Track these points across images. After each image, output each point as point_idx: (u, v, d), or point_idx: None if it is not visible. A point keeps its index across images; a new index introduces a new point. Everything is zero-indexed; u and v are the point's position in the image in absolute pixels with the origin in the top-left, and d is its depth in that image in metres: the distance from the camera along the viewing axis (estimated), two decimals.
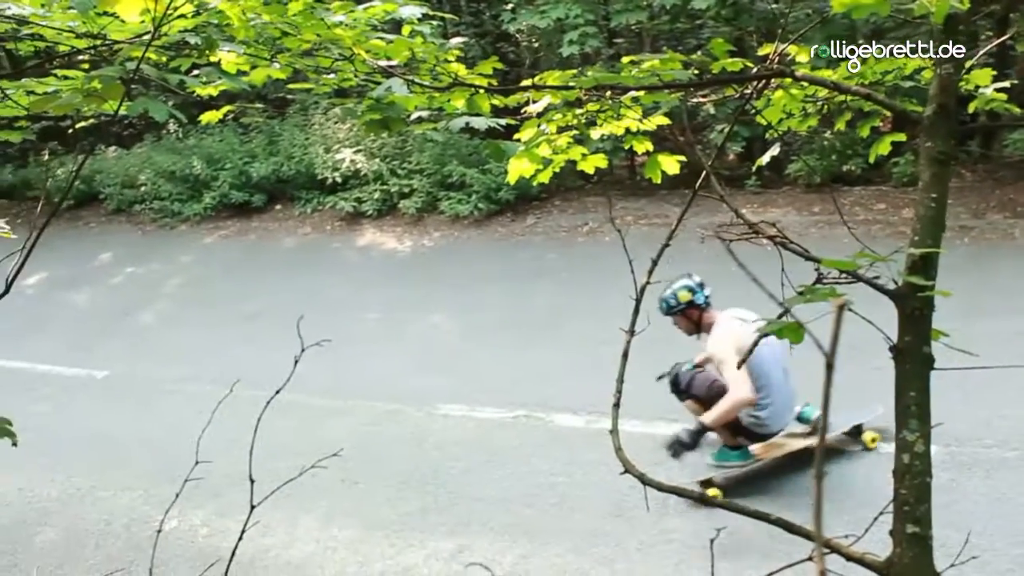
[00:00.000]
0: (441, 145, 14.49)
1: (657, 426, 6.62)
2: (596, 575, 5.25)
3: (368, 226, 15.07)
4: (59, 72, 2.94)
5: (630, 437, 5.73)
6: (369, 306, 11.36)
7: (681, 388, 6.07)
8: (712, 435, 6.05)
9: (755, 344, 2.18)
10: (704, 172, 2.60)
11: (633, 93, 2.90)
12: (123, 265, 14.92)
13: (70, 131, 17.80)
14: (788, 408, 5.97)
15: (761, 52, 2.98)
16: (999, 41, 8.01)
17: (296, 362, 2.49)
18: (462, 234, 14.23)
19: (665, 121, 3.29)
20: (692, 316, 6.02)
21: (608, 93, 2.91)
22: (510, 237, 13.85)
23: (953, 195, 9.83)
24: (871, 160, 3.60)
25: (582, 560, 5.40)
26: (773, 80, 2.89)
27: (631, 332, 2.57)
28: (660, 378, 6.21)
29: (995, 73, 3.05)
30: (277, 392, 2.68)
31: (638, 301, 2.50)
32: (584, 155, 3.34)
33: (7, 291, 2.20)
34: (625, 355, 2.54)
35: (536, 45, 16.88)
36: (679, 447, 5.66)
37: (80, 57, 3.12)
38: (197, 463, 2.52)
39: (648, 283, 2.52)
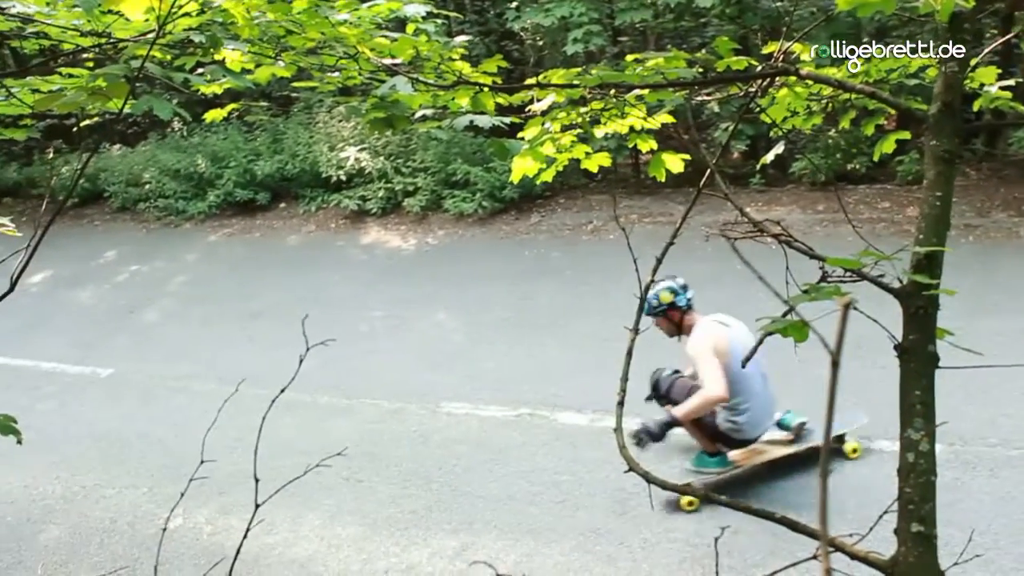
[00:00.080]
0: (445, 143, 14.49)
1: None
2: (600, 573, 5.25)
3: (372, 224, 15.07)
4: (64, 70, 2.94)
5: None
6: (373, 304, 11.36)
7: (661, 393, 6.06)
8: (692, 441, 6.06)
9: (758, 345, 2.18)
10: (708, 170, 2.60)
11: (637, 91, 2.91)
12: (127, 263, 14.93)
13: (75, 129, 17.82)
14: (767, 414, 5.94)
15: (766, 50, 2.98)
16: (1004, 39, 7.99)
17: (301, 361, 2.49)
18: (466, 232, 14.23)
19: (669, 119, 3.29)
20: (673, 318, 6.00)
21: (612, 91, 2.91)
22: (514, 235, 13.85)
23: (958, 193, 9.83)
24: (875, 158, 3.59)
25: (586, 558, 5.40)
26: (778, 78, 2.89)
27: (635, 330, 2.57)
28: (648, 399, 6.20)
29: (1000, 71, 3.05)
30: (282, 391, 2.68)
31: (642, 299, 2.50)
32: (588, 153, 3.34)
33: (12, 289, 2.21)
34: (629, 353, 2.54)
35: (540, 43, 16.89)
36: (645, 437, 5.63)
37: (85, 55, 3.12)
38: (202, 462, 2.52)
39: (652, 281, 2.52)
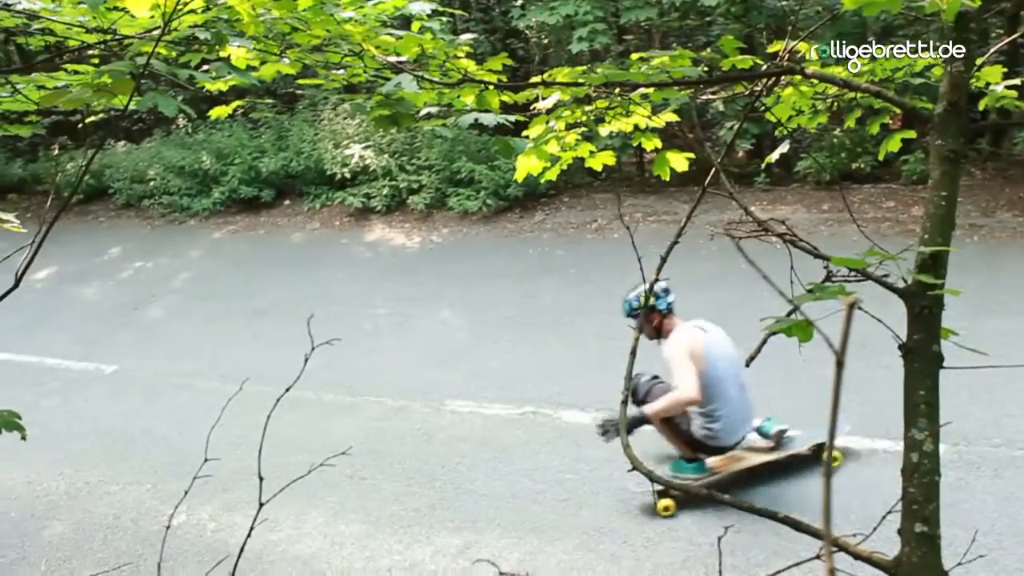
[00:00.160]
0: (450, 141, 14.50)
1: None
2: (603, 571, 5.25)
3: (377, 222, 15.08)
4: (69, 67, 2.94)
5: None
6: (377, 302, 11.36)
7: (639, 398, 6.05)
8: (671, 449, 6.06)
9: (761, 345, 2.17)
10: (713, 169, 2.60)
11: (642, 90, 2.91)
12: (132, 260, 14.95)
13: (80, 126, 17.87)
14: (743, 422, 5.92)
15: (771, 49, 2.97)
16: (1010, 39, 7.99)
17: (306, 360, 2.49)
18: (470, 230, 14.24)
19: (674, 118, 3.29)
20: (653, 321, 5.97)
21: (617, 90, 2.91)
22: (518, 234, 13.85)
23: (963, 193, 9.82)
24: (881, 157, 3.59)
25: (589, 556, 5.40)
26: (783, 77, 2.88)
27: (639, 329, 2.57)
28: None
29: (1006, 70, 3.04)
30: (287, 390, 2.68)
31: (647, 298, 2.50)
32: (592, 152, 3.34)
33: (17, 285, 2.21)
34: (633, 352, 2.54)
35: (546, 41, 16.88)
36: (612, 429, 5.63)
37: (90, 52, 3.12)
38: (206, 460, 2.52)
39: (657, 280, 2.52)
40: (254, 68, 3.12)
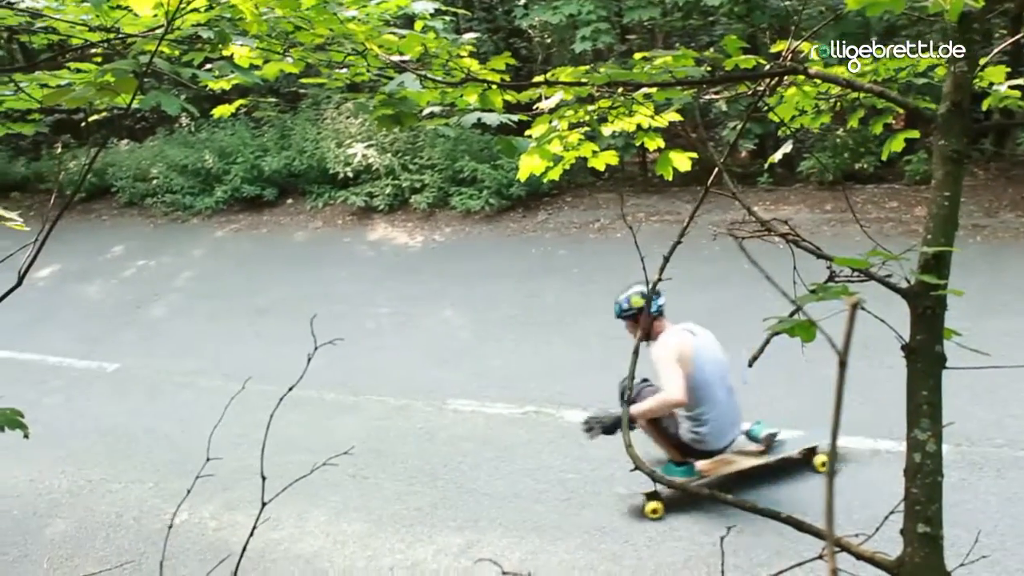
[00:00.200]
0: (453, 140, 14.50)
1: None
2: (605, 571, 5.25)
3: (379, 221, 15.09)
4: (72, 65, 2.95)
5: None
6: (380, 301, 11.36)
7: (629, 403, 6.04)
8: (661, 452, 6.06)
9: (764, 346, 2.17)
10: (716, 169, 2.60)
11: (645, 90, 2.90)
12: (135, 258, 14.96)
13: (83, 124, 17.88)
14: (731, 425, 5.91)
15: (774, 49, 2.97)
16: (1013, 40, 7.99)
17: (309, 360, 2.49)
18: (473, 230, 14.24)
19: (677, 118, 3.29)
20: (643, 323, 5.97)
21: (620, 89, 2.91)
22: (521, 233, 13.85)
23: (966, 193, 9.81)
24: (884, 157, 3.59)
25: (591, 556, 5.40)
26: (786, 77, 2.88)
27: (644, 328, 2.56)
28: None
29: (1009, 70, 3.04)
30: (290, 390, 2.68)
31: (649, 298, 2.49)
32: (595, 152, 3.34)
33: (20, 283, 2.21)
34: (636, 352, 2.54)
35: (548, 41, 16.87)
36: (596, 425, 5.65)
37: (93, 50, 3.13)
38: (208, 459, 2.52)
39: (660, 280, 2.51)
40: (257, 67, 3.12)
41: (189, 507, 6.19)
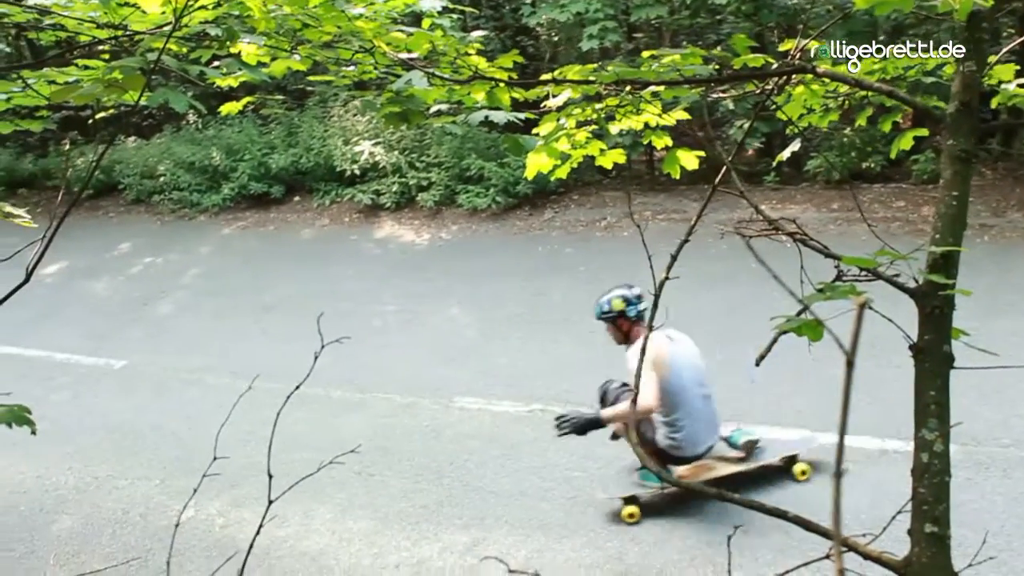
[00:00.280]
0: (460, 138, 14.49)
1: None
2: (610, 570, 5.25)
3: (386, 218, 15.09)
4: (80, 62, 2.95)
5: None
6: (386, 299, 11.37)
7: (607, 404, 6.03)
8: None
9: (771, 345, 2.17)
10: (723, 168, 2.59)
11: (653, 88, 2.90)
12: (142, 255, 14.98)
13: (90, 121, 17.88)
14: (708, 432, 5.87)
15: (782, 48, 2.97)
16: (1022, 39, 7.97)
17: (316, 358, 2.49)
18: (480, 227, 14.24)
19: (685, 116, 3.28)
20: (622, 326, 5.97)
21: (628, 88, 2.90)
22: (527, 231, 13.85)
23: (973, 193, 9.80)
24: (893, 155, 3.58)
25: (597, 554, 5.40)
26: (794, 76, 2.88)
27: (650, 327, 2.56)
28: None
29: (1018, 68, 3.03)
30: (297, 388, 2.68)
31: (657, 297, 2.49)
32: (603, 150, 3.33)
33: (28, 280, 2.21)
34: (643, 351, 2.53)
35: (556, 39, 16.87)
36: (567, 425, 5.66)
37: (101, 47, 3.13)
38: (216, 458, 2.52)
39: (667, 279, 2.51)
40: (265, 64, 3.12)
41: (195, 504, 6.19)
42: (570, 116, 3.10)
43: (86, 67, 2.88)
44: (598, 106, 3.07)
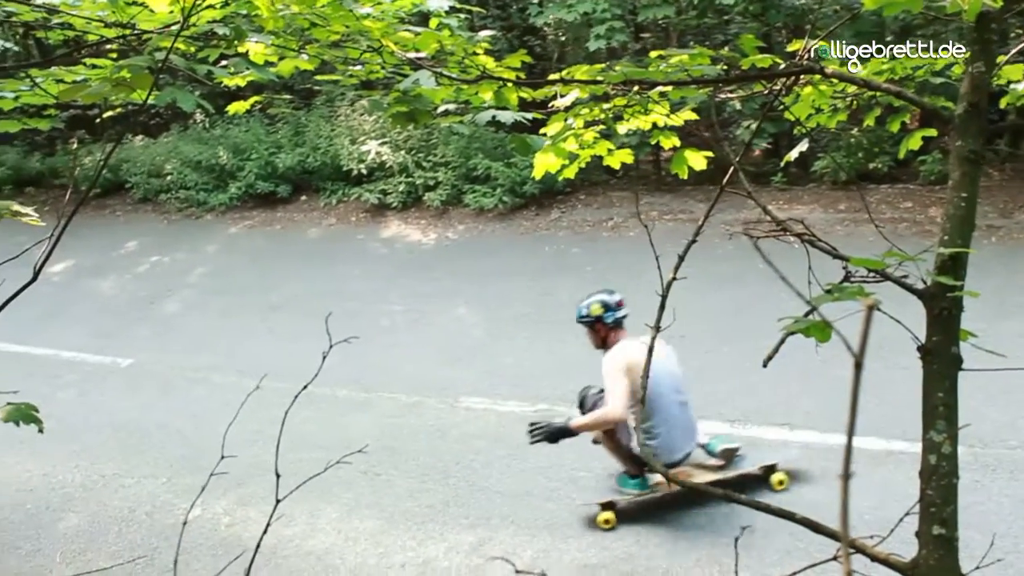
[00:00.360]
0: (466, 138, 14.48)
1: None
2: (616, 570, 5.24)
3: (393, 218, 15.10)
4: (88, 61, 2.95)
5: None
6: (393, 298, 11.37)
7: (585, 409, 6.02)
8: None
9: (778, 346, 2.16)
10: (730, 168, 2.59)
11: (661, 88, 2.89)
12: (148, 254, 15.00)
13: (98, 120, 17.92)
14: (684, 440, 5.84)
15: (790, 48, 2.96)
16: None
17: (324, 358, 2.49)
18: (486, 227, 14.24)
19: (693, 116, 3.28)
20: (599, 331, 5.96)
21: (636, 88, 2.90)
22: (534, 231, 13.84)
23: (981, 194, 9.78)
24: (901, 155, 3.58)
25: (603, 555, 5.39)
26: (802, 76, 2.87)
27: (656, 328, 2.56)
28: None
29: None
30: (304, 387, 2.68)
31: (664, 297, 2.49)
32: (611, 150, 3.33)
33: (35, 278, 2.22)
34: (650, 351, 2.53)
35: (563, 39, 16.85)
36: (539, 433, 5.66)
37: (109, 46, 3.14)
38: (223, 457, 2.52)
39: (675, 279, 2.50)
40: (272, 64, 3.12)
41: (202, 502, 6.20)
42: (578, 116, 3.10)
43: (94, 66, 2.89)
44: (606, 106, 3.07)
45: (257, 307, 11.47)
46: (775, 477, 5.91)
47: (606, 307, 5.89)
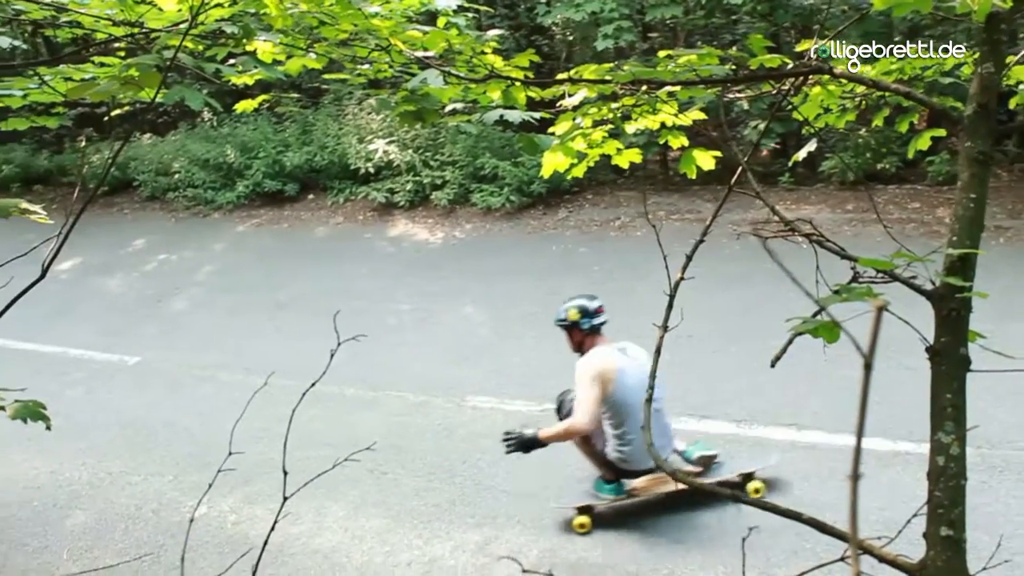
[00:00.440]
0: (474, 137, 14.49)
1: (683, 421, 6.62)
2: (623, 570, 5.24)
3: (400, 217, 15.10)
4: (96, 59, 2.96)
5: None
6: (400, 297, 11.38)
7: (563, 414, 6.02)
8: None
9: (786, 346, 2.16)
10: (738, 168, 2.58)
11: (669, 88, 2.89)
12: (156, 252, 15.02)
13: (106, 118, 17.95)
14: (658, 446, 5.75)
15: (799, 48, 2.96)
16: None
17: (332, 356, 2.49)
18: (494, 227, 14.24)
19: (701, 116, 3.28)
20: (575, 336, 5.96)
21: (644, 88, 2.90)
22: (541, 230, 13.84)
23: (989, 195, 9.76)
24: (910, 155, 3.57)
25: (609, 555, 5.39)
26: (811, 76, 2.87)
27: (664, 328, 2.56)
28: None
29: None
30: (312, 385, 2.68)
31: (672, 297, 2.48)
32: (619, 149, 3.33)
33: (43, 276, 2.22)
34: (658, 351, 2.53)
35: (571, 38, 16.85)
36: (513, 442, 5.67)
37: (117, 45, 3.14)
38: (230, 454, 2.53)
39: (682, 279, 2.50)
40: (280, 62, 3.13)
41: (208, 500, 6.20)
42: (586, 115, 3.10)
43: (102, 64, 2.89)
44: (614, 105, 3.06)
45: (264, 305, 11.49)
46: (752, 485, 5.88)
47: (584, 312, 5.89)
